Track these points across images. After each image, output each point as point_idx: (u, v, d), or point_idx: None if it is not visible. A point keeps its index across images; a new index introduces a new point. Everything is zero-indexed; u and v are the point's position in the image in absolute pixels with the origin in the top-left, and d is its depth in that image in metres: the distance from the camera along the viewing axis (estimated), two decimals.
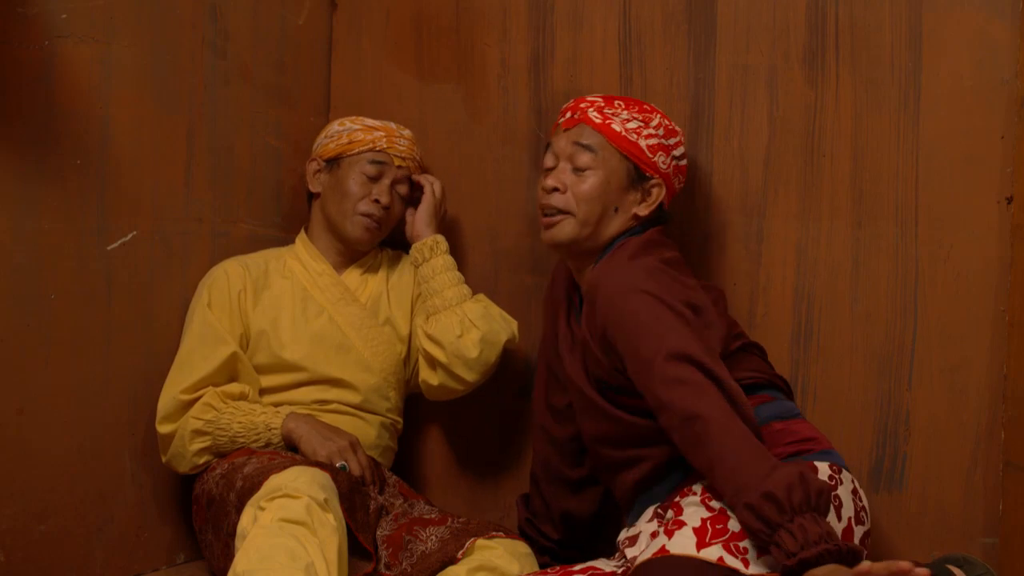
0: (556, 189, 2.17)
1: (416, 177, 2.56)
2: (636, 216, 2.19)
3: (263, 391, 2.44)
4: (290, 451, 2.35)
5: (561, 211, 2.17)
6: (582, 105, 2.21)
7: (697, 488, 1.94)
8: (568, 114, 2.23)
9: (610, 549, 2.17)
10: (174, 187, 2.46)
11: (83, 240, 2.29)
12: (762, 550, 1.78)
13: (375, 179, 2.50)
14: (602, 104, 2.20)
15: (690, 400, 1.87)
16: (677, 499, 1.96)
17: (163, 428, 2.36)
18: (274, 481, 2.07)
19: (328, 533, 2.01)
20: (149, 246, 2.41)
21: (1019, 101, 2.08)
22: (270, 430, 2.34)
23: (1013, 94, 2.10)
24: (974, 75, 2.16)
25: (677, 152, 2.22)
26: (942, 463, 2.18)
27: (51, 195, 2.23)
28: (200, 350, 2.38)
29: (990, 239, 2.15)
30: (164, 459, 2.39)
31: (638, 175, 2.18)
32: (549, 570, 2.05)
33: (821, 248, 2.30)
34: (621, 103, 2.21)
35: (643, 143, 2.17)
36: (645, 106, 2.23)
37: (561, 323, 2.26)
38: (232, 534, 2.13)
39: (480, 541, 2.16)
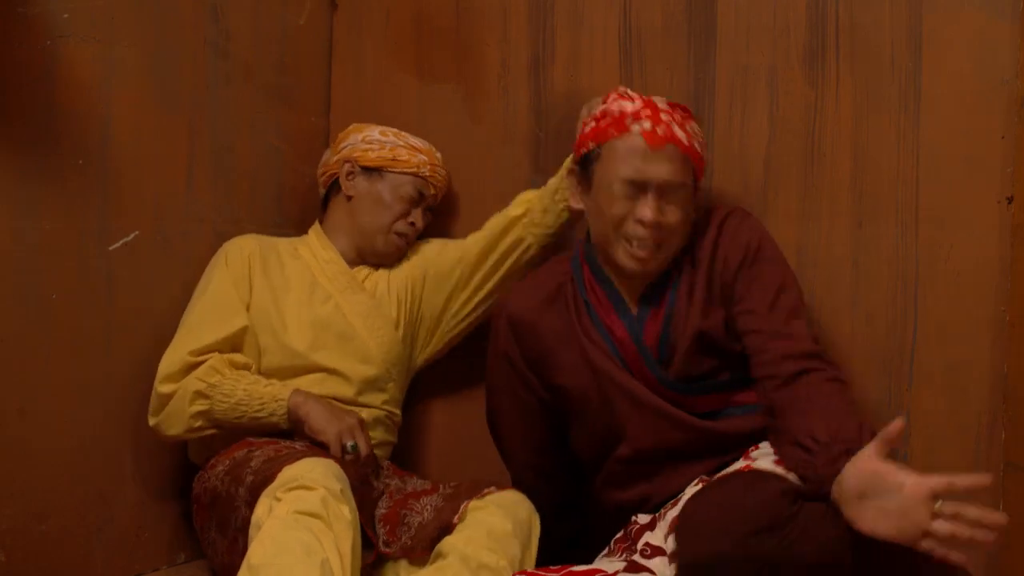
0: (657, 224, 2.04)
1: None
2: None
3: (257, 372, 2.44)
4: (287, 435, 2.33)
5: (656, 244, 2.06)
6: (664, 117, 2.06)
7: (763, 445, 1.98)
8: (647, 123, 2.06)
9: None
10: (175, 187, 2.46)
11: (84, 240, 2.29)
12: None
13: (414, 202, 2.55)
14: (680, 117, 2.08)
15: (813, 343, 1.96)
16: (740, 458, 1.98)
17: (163, 387, 2.32)
18: (289, 472, 2.06)
19: (343, 527, 2.01)
20: (150, 246, 2.41)
21: (1019, 101, 2.08)
22: (276, 401, 2.31)
23: (1013, 94, 2.10)
24: (974, 75, 2.16)
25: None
26: (942, 463, 2.18)
27: (52, 195, 2.23)
28: (215, 314, 2.38)
29: (991, 239, 2.15)
30: (154, 421, 2.33)
31: (695, 182, 2.13)
32: (552, 568, 2.04)
33: (821, 248, 2.30)
34: (690, 119, 2.11)
35: (704, 155, 2.13)
36: (689, 114, 2.14)
37: (596, 348, 2.14)
38: (241, 529, 2.12)
39: (473, 503, 2.16)
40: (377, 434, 2.49)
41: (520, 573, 2.06)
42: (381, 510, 2.27)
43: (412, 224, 2.56)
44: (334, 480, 2.05)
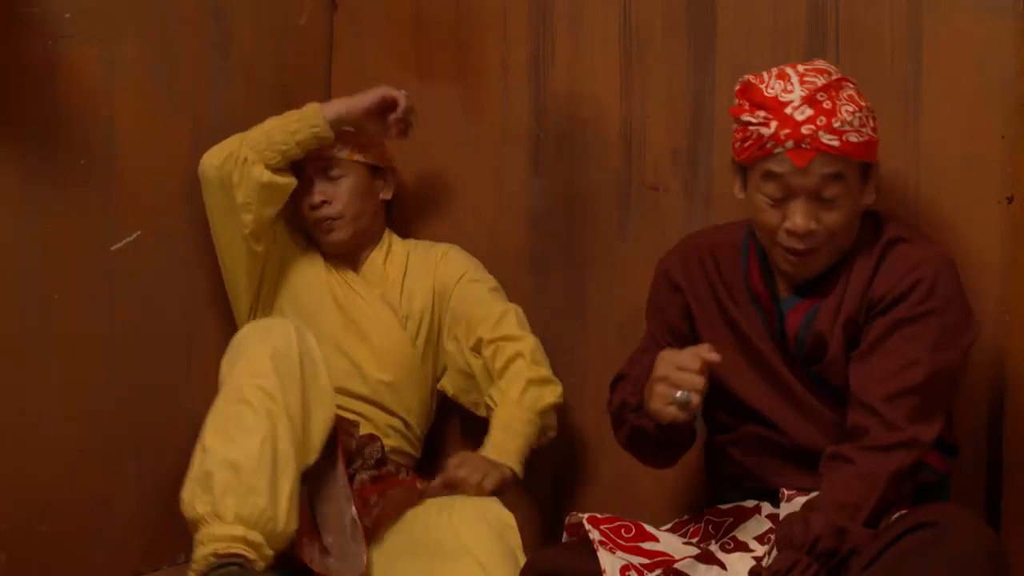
0: (810, 233, 1.90)
1: None
2: (864, 206, 1.97)
3: None
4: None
5: (813, 250, 1.93)
6: (805, 132, 1.88)
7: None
8: (789, 143, 1.88)
9: None
10: (177, 187, 2.46)
11: (86, 240, 2.29)
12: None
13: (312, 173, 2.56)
14: (827, 121, 1.88)
15: (924, 431, 1.86)
16: None
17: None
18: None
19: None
20: (153, 247, 2.41)
21: (1020, 101, 2.08)
22: (302, 113, 2.42)
23: (1014, 94, 2.10)
24: (974, 75, 2.16)
25: (869, 103, 1.95)
26: None
27: (55, 195, 2.23)
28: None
29: (991, 239, 2.15)
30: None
31: (869, 168, 1.95)
32: (620, 524, 1.95)
33: None
34: (841, 105, 1.90)
35: (869, 133, 1.91)
36: (842, 82, 1.94)
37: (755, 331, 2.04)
38: None
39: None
40: (391, 441, 2.47)
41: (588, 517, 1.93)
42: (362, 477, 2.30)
43: (321, 204, 2.49)
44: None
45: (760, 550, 1.91)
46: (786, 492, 1.95)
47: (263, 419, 2.08)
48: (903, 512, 1.83)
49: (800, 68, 1.95)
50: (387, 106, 2.48)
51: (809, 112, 1.89)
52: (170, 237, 2.45)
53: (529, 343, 2.45)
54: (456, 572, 2.10)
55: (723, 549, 1.93)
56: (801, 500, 1.90)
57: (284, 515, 2.05)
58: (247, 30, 2.60)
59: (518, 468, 2.32)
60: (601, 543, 1.87)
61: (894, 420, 1.84)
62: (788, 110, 1.89)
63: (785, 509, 1.92)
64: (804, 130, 1.88)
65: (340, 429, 2.28)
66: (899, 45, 2.23)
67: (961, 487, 2.17)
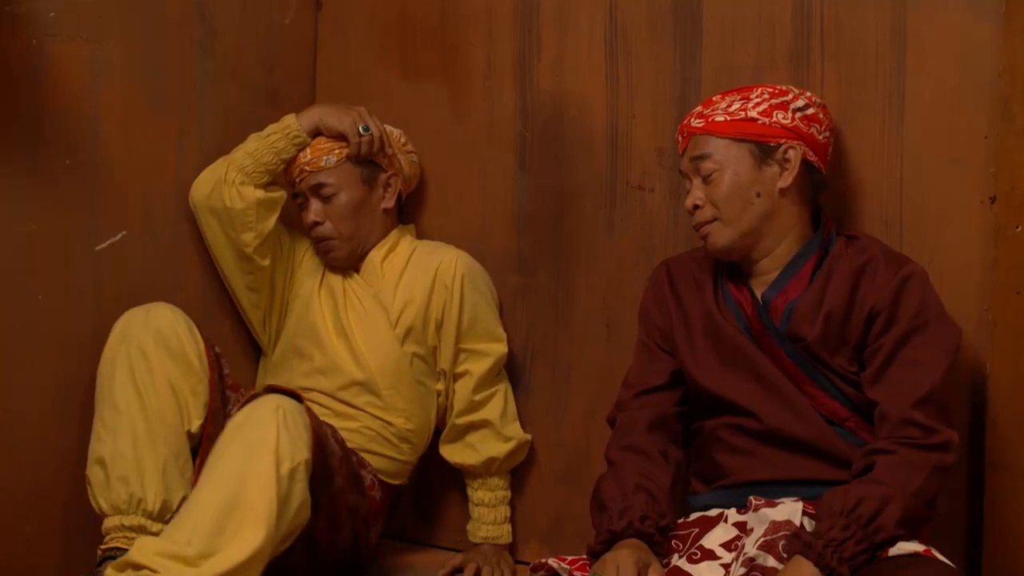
0: (696, 206, 2.12)
1: None
2: (782, 191, 2.09)
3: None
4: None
5: (707, 222, 2.11)
6: (684, 122, 2.16)
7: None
8: (679, 138, 2.18)
9: None
10: (163, 187, 2.46)
11: (71, 240, 2.29)
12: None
13: (303, 199, 2.58)
14: (699, 110, 2.15)
15: (950, 429, 1.93)
16: None
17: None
18: None
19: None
20: (139, 246, 2.41)
21: (1003, 101, 2.09)
22: (284, 124, 2.48)
23: (997, 94, 2.11)
24: (958, 75, 2.17)
25: (799, 103, 2.11)
26: None
27: (40, 195, 2.23)
28: None
29: (974, 239, 2.16)
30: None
31: (763, 149, 2.09)
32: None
33: None
34: (719, 96, 2.15)
35: (754, 113, 2.09)
36: (746, 87, 2.17)
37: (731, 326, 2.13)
38: None
39: None
40: (371, 445, 2.47)
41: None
42: None
43: (314, 223, 2.51)
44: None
45: (727, 557, 1.93)
46: (754, 501, 1.98)
47: (122, 410, 2.23)
48: (887, 558, 1.85)
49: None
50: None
51: (697, 108, 2.16)
52: (155, 237, 2.44)
53: (496, 407, 2.53)
54: None
55: (690, 560, 1.96)
56: (768, 511, 1.94)
57: (154, 490, 2.20)
58: (232, 30, 2.59)
59: (510, 535, 2.58)
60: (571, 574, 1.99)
61: (931, 424, 1.92)
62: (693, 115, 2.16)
63: (752, 519, 1.95)
64: (684, 123, 2.16)
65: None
66: (883, 45, 2.23)
67: (946, 486, 2.18)
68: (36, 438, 2.26)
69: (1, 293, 2.18)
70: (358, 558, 2.39)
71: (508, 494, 2.58)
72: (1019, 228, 2.08)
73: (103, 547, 2.19)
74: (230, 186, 2.42)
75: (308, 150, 2.48)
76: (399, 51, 2.75)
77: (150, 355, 2.26)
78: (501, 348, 2.53)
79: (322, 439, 2.19)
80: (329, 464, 2.21)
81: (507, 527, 2.57)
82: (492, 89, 2.64)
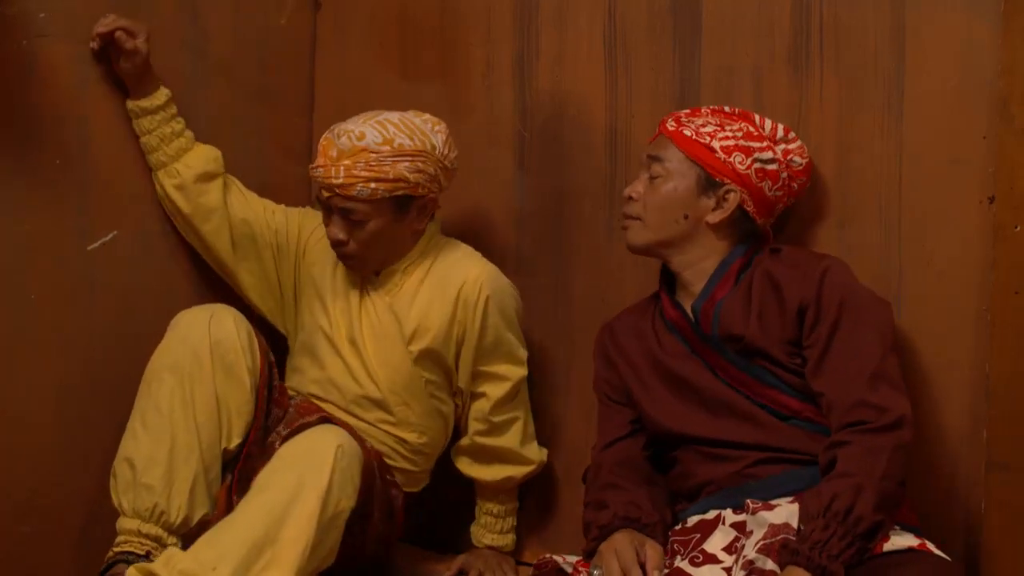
0: (630, 198, 2.18)
1: None
2: (708, 225, 2.15)
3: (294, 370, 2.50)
4: None
5: (631, 217, 2.18)
6: (666, 118, 2.22)
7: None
8: (657, 128, 2.24)
9: None
10: (155, 187, 2.45)
11: (63, 240, 2.29)
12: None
13: (327, 211, 2.41)
14: (684, 114, 2.21)
15: (903, 404, 1.94)
16: None
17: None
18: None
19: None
20: (130, 246, 2.41)
21: (1002, 101, 2.08)
22: (136, 109, 2.38)
23: (996, 94, 2.10)
24: (957, 76, 2.16)
25: (763, 156, 2.15)
26: (925, 462, 2.19)
27: (31, 195, 2.23)
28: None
29: (973, 239, 2.15)
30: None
31: (708, 180, 2.15)
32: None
33: (804, 247, 2.30)
34: (707, 110, 2.22)
35: (716, 144, 2.14)
36: (735, 114, 2.22)
37: (672, 350, 2.18)
38: None
39: None
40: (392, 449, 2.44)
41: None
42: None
43: (338, 241, 2.33)
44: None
45: (728, 560, 1.93)
46: (751, 504, 1.98)
47: (164, 414, 2.21)
48: (882, 554, 1.85)
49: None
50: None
51: (682, 112, 2.24)
52: (147, 236, 2.44)
53: (516, 435, 2.47)
54: None
55: (692, 563, 1.96)
56: (766, 514, 1.94)
57: (178, 504, 2.19)
58: (225, 31, 2.59)
59: (513, 544, 2.55)
60: (573, 574, 2.01)
61: (879, 402, 1.93)
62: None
63: (751, 522, 1.96)
64: (668, 117, 2.23)
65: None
66: (883, 45, 2.23)
67: (944, 486, 2.18)
68: (32, 439, 2.26)
69: None
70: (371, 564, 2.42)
71: (516, 505, 2.56)
72: (1018, 228, 2.07)
73: (116, 549, 2.18)
74: (164, 192, 2.42)
75: (340, 169, 2.26)
76: (398, 51, 2.75)
77: (205, 365, 2.23)
78: (520, 371, 2.44)
79: (369, 478, 2.20)
80: (370, 500, 2.23)
81: (512, 536, 2.55)
82: (491, 89, 2.63)
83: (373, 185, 2.27)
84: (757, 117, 2.23)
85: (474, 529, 2.56)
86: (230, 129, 2.59)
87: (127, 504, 2.20)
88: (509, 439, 2.46)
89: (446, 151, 2.36)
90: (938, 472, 2.18)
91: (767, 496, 1.99)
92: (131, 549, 2.17)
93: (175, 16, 2.48)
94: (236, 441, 2.26)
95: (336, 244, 2.36)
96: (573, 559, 2.08)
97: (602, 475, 2.18)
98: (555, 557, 2.07)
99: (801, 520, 1.88)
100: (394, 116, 2.33)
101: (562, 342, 2.57)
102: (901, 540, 1.88)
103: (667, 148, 2.17)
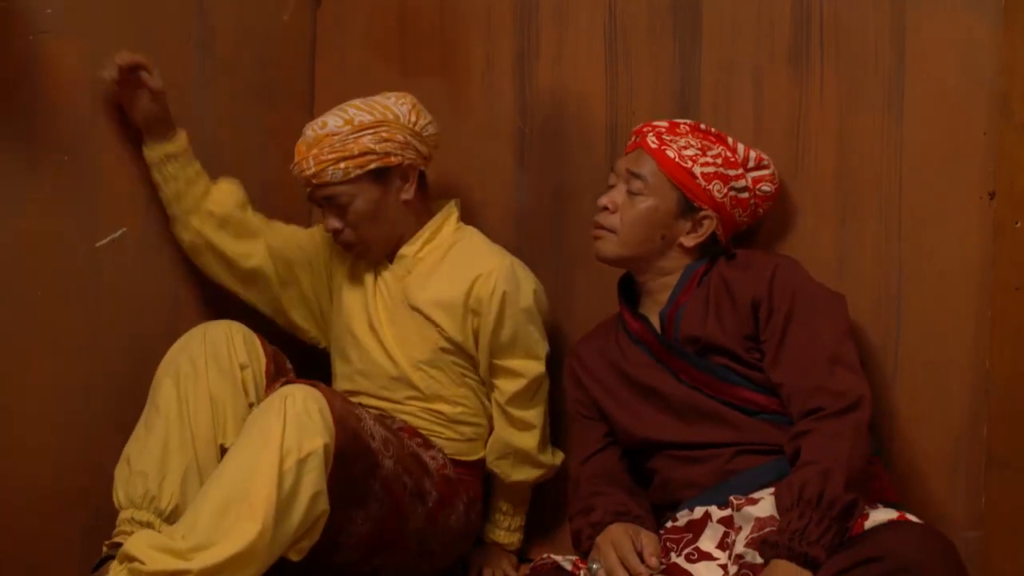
0: (606, 208, 2.21)
1: None
2: (682, 246, 2.20)
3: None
4: None
5: (606, 229, 2.20)
6: (645, 129, 2.24)
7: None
8: (633, 138, 2.26)
9: None
10: (184, 239, 2.45)
11: (70, 237, 2.28)
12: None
13: (316, 204, 2.48)
14: (664, 129, 2.23)
15: (859, 385, 1.98)
16: None
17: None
18: None
19: None
20: (136, 243, 2.40)
21: (1002, 98, 2.09)
22: (151, 155, 2.36)
23: (996, 91, 2.11)
24: (957, 73, 2.17)
25: (738, 184, 2.21)
26: (926, 459, 2.20)
27: (38, 192, 2.22)
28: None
29: (973, 235, 2.16)
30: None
31: (687, 204, 2.18)
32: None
33: (805, 245, 2.31)
34: (687, 127, 2.24)
35: (697, 170, 2.18)
36: (711, 134, 2.24)
37: (637, 362, 2.22)
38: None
39: None
40: (419, 424, 2.43)
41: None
42: None
43: (334, 231, 2.39)
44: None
45: (723, 557, 1.95)
46: (735, 501, 2.00)
47: (161, 413, 2.24)
48: (866, 529, 1.87)
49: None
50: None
51: (661, 126, 2.25)
52: (155, 234, 2.44)
53: (533, 439, 2.46)
54: None
55: (688, 560, 1.98)
56: (751, 509, 1.96)
57: (170, 492, 2.19)
58: (230, 27, 2.59)
59: (519, 543, 2.56)
60: (573, 571, 2.04)
61: (837, 387, 1.98)
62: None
63: (738, 518, 1.98)
64: (644, 129, 2.26)
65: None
66: (883, 43, 2.24)
67: (945, 482, 2.19)
68: (35, 437, 2.25)
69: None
70: (461, 541, 2.43)
71: (527, 506, 2.56)
72: (1018, 224, 2.08)
73: (109, 541, 2.19)
74: (190, 242, 2.43)
75: (310, 160, 2.33)
76: (398, 48, 2.75)
77: (199, 366, 2.26)
78: (536, 367, 2.42)
79: (350, 421, 2.16)
80: (370, 448, 2.19)
81: (519, 536, 2.56)
82: (491, 86, 2.64)
83: (343, 165, 2.33)
84: (730, 139, 2.25)
85: (486, 524, 2.56)
86: (233, 125, 2.59)
87: (123, 496, 2.21)
88: (527, 441, 2.45)
89: (413, 118, 2.39)
90: (940, 467, 2.19)
91: (748, 490, 2.01)
92: (122, 541, 2.15)
93: (181, 12, 2.48)
94: (232, 438, 2.25)
95: (335, 235, 2.41)
96: (572, 557, 2.10)
97: (584, 486, 2.21)
98: (554, 556, 2.09)
99: (778, 513, 1.90)
100: (357, 100, 2.39)
101: (562, 339, 2.57)
102: (881, 515, 1.91)
103: (648, 165, 2.19)
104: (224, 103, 2.58)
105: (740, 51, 2.37)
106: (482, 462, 2.49)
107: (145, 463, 2.21)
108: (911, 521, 1.90)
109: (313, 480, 2.06)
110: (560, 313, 2.57)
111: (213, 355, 2.29)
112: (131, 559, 1.98)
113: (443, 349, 2.41)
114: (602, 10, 2.51)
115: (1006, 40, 2.10)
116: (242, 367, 2.31)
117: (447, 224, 2.48)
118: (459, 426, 2.45)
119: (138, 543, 1.99)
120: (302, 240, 2.55)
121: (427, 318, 2.40)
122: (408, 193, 2.41)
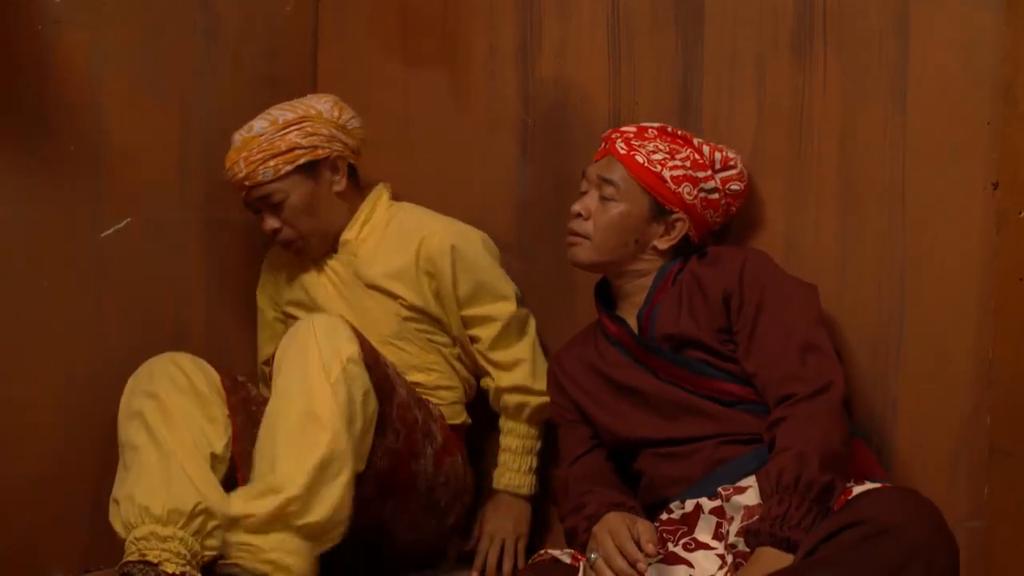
0: (579, 215, 2.22)
1: None
2: (656, 249, 2.21)
3: None
4: None
5: (580, 235, 2.21)
6: (614, 135, 2.25)
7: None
8: (602, 144, 2.27)
9: None
10: (167, 174, 2.46)
11: (76, 227, 2.29)
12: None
13: (253, 208, 2.51)
14: (632, 135, 2.24)
15: (830, 368, 2.00)
16: None
17: None
18: None
19: None
20: (142, 233, 2.41)
21: (1005, 87, 2.09)
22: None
23: (1000, 80, 2.11)
24: (961, 61, 2.17)
25: (707, 185, 2.23)
26: (929, 448, 2.20)
27: (44, 182, 2.23)
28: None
29: (976, 225, 2.16)
30: None
31: (659, 208, 2.20)
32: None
33: (808, 236, 2.31)
34: (654, 131, 2.25)
35: (667, 174, 2.19)
36: (679, 137, 2.25)
37: (617, 361, 2.23)
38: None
39: None
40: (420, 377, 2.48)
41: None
42: None
43: (273, 231, 2.44)
44: None
45: (720, 547, 1.97)
46: (723, 492, 2.01)
47: (140, 448, 2.21)
48: (849, 499, 1.89)
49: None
50: None
51: (629, 131, 2.26)
52: (159, 224, 2.45)
53: (525, 371, 2.49)
54: None
55: (685, 549, 2.00)
56: (739, 498, 1.97)
57: (161, 500, 2.14)
58: (234, 17, 2.59)
59: (531, 487, 2.53)
60: (572, 563, 2.06)
61: (808, 373, 2.00)
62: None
63: (728, 508, 1.99)
64: (613, 135, 2.26)
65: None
66: (886, 31, 2.23)
67: (947, 471, 2.19)
68: (40, 427, 2.26)
69: (5, 280, 2.18)
70: (462, 494, 2.46)
71: (538, 444, 2.53)
72: (1022, 214, 2.08)
73: (118, 566, 2.14)
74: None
75: (241, 163, 2.39)
76: (400, 39, 2.74)
77: (159, 395, 2.25)
78: (507, 307, 2.48)
79: (369, 345, 2.23)
80: (387, 373, 2.27)
81: (530, 478, 2.52)
82: (494, 76, 2.63)
83: (272, 163, 2.39)
84: (696, 141, 2.26)
85: (494, 472, 2.53)
86: (238, 115, 2.58)
87: (121, 526, 2.17)
88: (517, 376, 2.48)
89: (336, 113, 2.47)
90: (942, 457, 2.19)
91: (734, 479, 2.02)
92: (131, 559, 2.11)
93: (187, 2, 2.49)
94: (220, 444, 2.27)
95: (273, 235, 2.46)
96: (570, 551, 2.11)
97: (573, 487, 2.22)
98: (551, 551, 2.11)
99: (761, 499, 1.92)
100: (281, 103, 2.46)
101: (563, 329, 2.57)
102: (866, 488, 1.92)
103: (618, 171, 2.20)
104: (228, 92, 2.58)
105: (743, 41, 2.37)
106: (464, 427, 2.53)
107: (127, 488, 2.17)
108: (893, 487, 1.92)
109: (361, 381, 2.15)
110: (561, 303, 2.57)
111: (168, 379, 2.27)
112: (240, 518, 2.06)
113: (406, 319, 2.46)
114: (604, 0, 2.50)
115: (1010, 29, 2.09)
116: (196, 381, 2.30)
117: (379, 203, 2.55)
118: (438, 391, 2.50)
119: (236, 503, 2.08)
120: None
121: (385, 291, 2.45)
122: (340, 185, 2.48)
